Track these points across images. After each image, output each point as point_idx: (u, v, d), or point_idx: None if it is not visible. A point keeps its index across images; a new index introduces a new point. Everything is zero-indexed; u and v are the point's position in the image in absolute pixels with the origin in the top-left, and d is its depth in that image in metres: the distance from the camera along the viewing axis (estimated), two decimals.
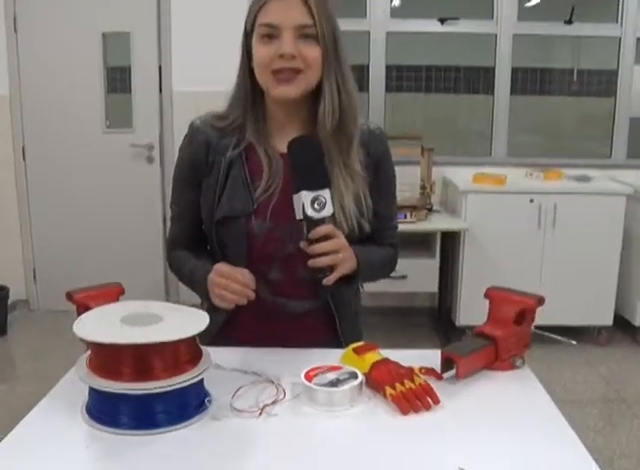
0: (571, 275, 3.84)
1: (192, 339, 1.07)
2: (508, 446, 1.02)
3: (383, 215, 1.46)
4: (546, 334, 1.33)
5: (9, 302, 4.17)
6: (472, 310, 3.74)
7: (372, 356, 1.21)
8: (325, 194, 1.21)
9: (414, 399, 1.11)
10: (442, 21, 4.22)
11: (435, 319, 4.27)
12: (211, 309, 1.32)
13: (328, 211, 1.21)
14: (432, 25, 4.25)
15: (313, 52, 1.31)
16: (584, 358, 3.78)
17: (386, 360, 1.20)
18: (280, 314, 1.43)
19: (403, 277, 3.66)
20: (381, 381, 1.15)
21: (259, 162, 1.39)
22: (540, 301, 1.30)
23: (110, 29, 4.14)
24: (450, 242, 3.93)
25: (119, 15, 4.10)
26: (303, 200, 1.19)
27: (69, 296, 1.28)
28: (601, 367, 3.68)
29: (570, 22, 4.25)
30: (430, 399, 1.12)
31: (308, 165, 1.23)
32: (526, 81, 4.53)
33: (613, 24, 4.28)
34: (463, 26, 4.26)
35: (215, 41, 4.07)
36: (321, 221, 1.21)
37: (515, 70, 4.36)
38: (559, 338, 1.33)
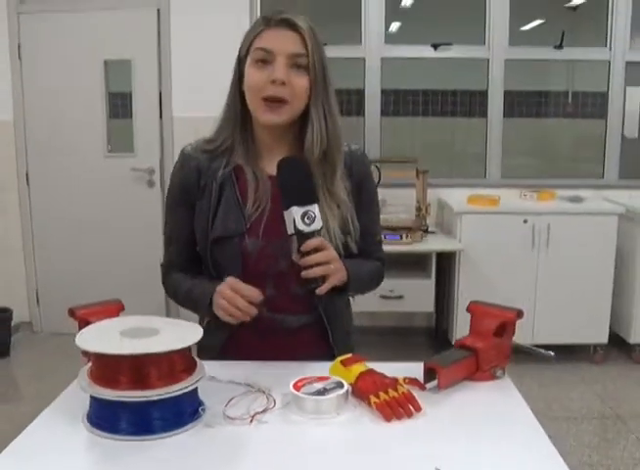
0: (565, 294, 3.90)
1: (186, 350, 1.13)
2: (484, 450, 1.08)
3: (367, 232, 1.53)
4: (521, 345, 1.38)
5: (12, 323, 4.23)
6: (468, 330, 3.79)
7: (358, 368, 1.27)
8: (314, 209, 1.28)
9: (397, 406, 1.17)
10: (436, 46, 4.33)
11: (433, 339, 4.32)
12: (212, 329, 1.40)
13: (317, 224, 1.28)
14: (425, 51, 4.36)
15: (302, 82, 1.39)
16: (580, 376, 3.84)
17: (371, 371, 1.27)
18: (277, 330, 1.49)
19: (400, 297, 3.72)
20: (366, 390, 1.21)
21: (249, 182, 1.45)
22: (519, 314, 1.36)
23: (111, 57, 4.26)
24: (446, 262, 3.99)
25: (121, 43, 4.21)
26: (294, 215, 1.26)
27: (72, 312, 1.35)
28: (596, 385, 3.72)
29: (560, 46, 4.35)
30: (411, 407, 1.18)
31: (297, 183, 1.31)
32: (520, 104, 4.63)
33: (602, 49, 4.38)
34: (456, 52, 4.37)
35: (214, 69, 4.16)
36: (311, 235, 1.28)
37: (508, 93, 4.46)
38: (537, 350, 1.39)
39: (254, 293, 1.34)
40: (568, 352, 4.01)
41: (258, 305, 1.34)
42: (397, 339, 4.37)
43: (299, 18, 1.40)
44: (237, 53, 4.41)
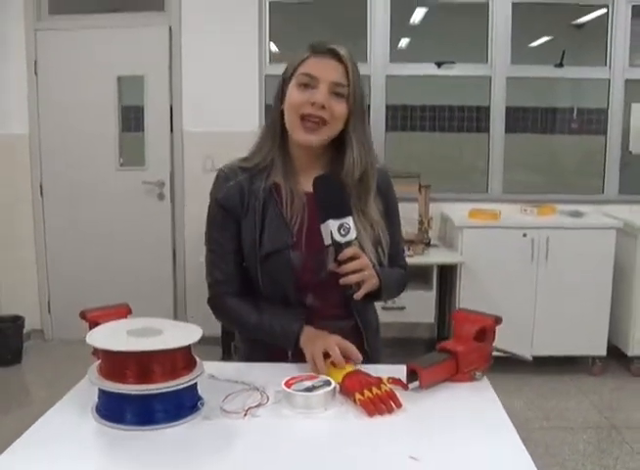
0: (564, 307, 3.98)
1: (187, 349, 1.24)
2: (457, 443, 1.18)
3: (392, 241, 1.64)
4: (501, 349, 1.47)
5: (24, 331, 4.35)
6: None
7: (346, 368, 1.38)
8: (349, 221, 1.40)
9: (379, 403, 1.27)
10: (439, 64, 4.45)
11: (434, 349, 4.40)
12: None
13: (352, 235, 1.40)
14: (429, 69, 4.47)
15: (341, 108, 1.49)
16: (578, 388, 3.91)
17: (357, 371, 1.37)
18: None
19: (402, 308, 3.81)
20: (352, 388, 1.31)
21: (286, 199, 1.55)
22: (497, 320, 1.45)
23: (125, 73, 4.41)
24: (447, 274, 4.09)
25: (134, 60, 4.36)
26: (331, 227, 1.39)
27: (83, 314, 1.46)
28: (594, 396, 3.80)
29: (560, 65, 4.46)
30: (393, 404, 1.28)
31: (333, 198, 1.42)
32: (522, 120, 4.73)
33: (602, 68, 4.48)
34: (459, 70, 4.48)
35: (224, 85, 4.33)
36: (347, 244, 1.40)
37: (510, 110, 4.56)
38: (515, 353, 1.48)
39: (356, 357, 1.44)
40: (567, 364, 4.10)
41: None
42: (399, 349, 4.44)
43: (343, 49, 1.50)
44: (246, 70, 4.55)
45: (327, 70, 1.48)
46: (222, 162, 5.01)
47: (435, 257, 4.00)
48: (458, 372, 1.41)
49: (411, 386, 1.36)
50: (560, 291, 3.98)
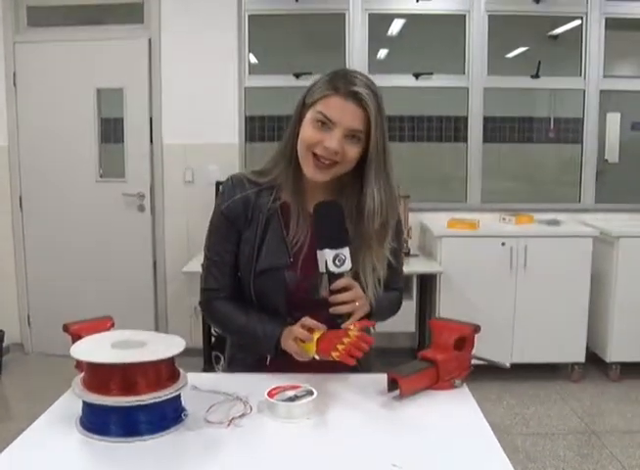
0: (543, 314, 4.03)
1: (171, 360, 1.25)
2: (438, 450, 1.20)
3: (392, 263, 1.63)
4: (479, 357, 1.50)
5: (3, 344, 4.31)
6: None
7: (315, 335, 1.43)
8: (345, 252, 1.40)
9: (354, 350, 1.35)
10: (417, 76, 4.50)
11: (415, 358, 4.42)
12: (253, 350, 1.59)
13: (347, 266, 1.41)
14: (407, 80, 4.52)
15: (354, 153, 1.47)
16: (558, 394, 3.95)
17: (325, 332, 1.43)
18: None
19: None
20: (327, 350, 1.38)
21: (292, 219, 1.56)
22: (476, 329, 1.48)
23: (104, 85, 4.40)
24: (427, 284, 4.12)
25: (113, 72, 4.35)
26: (326, 257, 1.40)
27: (66, 327, 1.47)
28: (574, 402, 3.84)
29: (537, 76, 4.53)
30: (364, 345, 1.36)
31: (331, 227, 1.43)
32: (499, 130, 4.79)
33: (577, 78, 4.56)
34: (436, 81, 4.54)
35: (203, 97, 4.35)
36: (341, 275, 1.41)
37: (488, 119, 4.62)
38: (493, 361, 1.51)
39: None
40: (546, 371, 4.14)
41: None
42: (380, 359, 4.45)
43: (366, 90, 1.44)
44: (225, 84, 4.56)
45: (345, 116, 1.44)
46: (202, 173, 5.03)
47: (415, 266, 4.03)
48: (439, 380, 1.44)
49: (391, 394, 1.38)
50: (538, 299, 4.03)
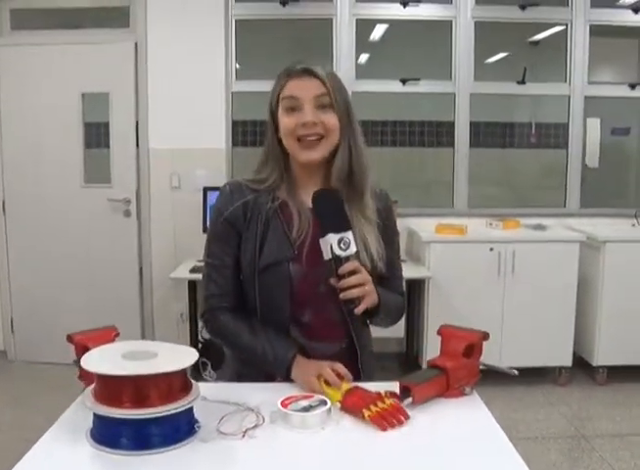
0: (530, 319, 4.05)
1: (183, 372, 1.23)
2: (455, 459, 1.20)
3: (391, 266, 1.66)
4: (488, 364, 1.50)
5: None
6: (437, 354, 3.91)
7: (343, 386, 1.40)
8: (349, 235, 1.41)
9: (389, 417, 1.29)
10: (404, 81, 4.51)
11: (404, 363, 4.43)
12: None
13: (352, 249, 1.41)
14: (394, 86, 4.53)
15: (332, 119, 1.52)
16: (546, 398, 3.98)
17: (356, 387, 1.39)
18: (310, 357, 1.57)
19: (384, 326, 3.82)
20: (358, 405, 1.32)
21: (292, 215, 1.57)
22: (485, 336, 1.48)
23: (89, 90, 4.35)
24: (415, 289, 4.12)
25: (99, 76, 4.30)
26: (331, 241, 1.40)
27: (70, 338, 1.44)
28: (562, 406, 3.86)
29: (522, 82, 4.56)
30: (402, 417, 1.30)
31: (332, 212, 1.44)
32: (485, 135, 4.81)
33: (562, 84, 4.60)
34: (423, 87, 4.55)
35: (190, 102, 4.31)
36: (347, 259, 1.41)
37: (474, 125, 4.64)
38: (501, 368, 1.51)
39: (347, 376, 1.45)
40: (533, 375, 4.15)
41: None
42: None
43: (317, 67, 1.54)
44: (212, 88, 4.56)
45: (306, 88, 1.51)
46: (189, 178, 4.99)
47: (404, 271, 3.98)
48: (449, 388, 1.43)
49: (404, 402, 1.37)
50: (526, 303, 4.05)
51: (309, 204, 1.52)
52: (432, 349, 4.01)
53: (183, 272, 3.94)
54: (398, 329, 4.06)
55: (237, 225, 1.59)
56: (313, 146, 1.52)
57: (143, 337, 4.39)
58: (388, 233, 1.67)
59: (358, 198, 1.58)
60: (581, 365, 4.24)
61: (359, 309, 1.43)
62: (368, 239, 1.55)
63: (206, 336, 3.87)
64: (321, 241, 1.41)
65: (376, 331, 4.18)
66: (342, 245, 1.39)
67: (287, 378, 1.51)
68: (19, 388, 4.07)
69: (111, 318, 4.44)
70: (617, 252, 4.05)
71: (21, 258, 4.50)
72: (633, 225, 4.44)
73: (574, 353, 4.17)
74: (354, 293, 1.41)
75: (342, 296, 1.41)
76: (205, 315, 1.66)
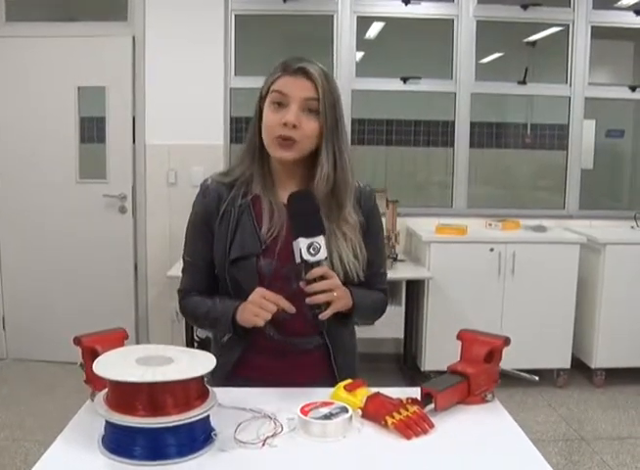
0: (529, 320, 4.02)
1: (200, 379, 1.18)
2: (481, 466, 1.16)
3: (373, 264, 1.62)
4: (510, 371, 1.47)
5: None
6: (436, 356, 3.89)
7: (363, 392, 1.35)
8: (319, 240, 1.38)
9: (414, 424, 1.25)
10: (405, 80, 4.47)
11: (401, 365, 4.39)
12: (226, 348, 1.55)
13: (322, 254, 1.38)
14: (395, 84, 4.49)
15: (312, 125, 1.51)
16: (545, 400, 3.95)
17: (378, 394, 1.35)
18: (286, 351, 1.59)
19: (370, 323, 3.78)
20: (380, 412, 1.28)
21: (264, 211, 1.56)
22: (507, 341, 1.44)
23: (85, 84, 4.27)
24: (415, 290, 4.08)
25: (96, 70, 4.22)
26: (301, 246, 1.37)
27: (78, 340, 1.38)
28: (560, 408, 3.84)
29: (523, 82, 4.53)
30: (426, 425, 1.26)
31: (305, 216, 1.41)
32: (486, 135, 4.78)
33: (563, 85, 4.58)
34: (424, 85, 4.51)
35: (188, 97, 4.25)
36: (316, 264, 1.38)
37: (474, 125, 4.60)
38: (522, 374, 1.48)
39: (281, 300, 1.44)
40: None
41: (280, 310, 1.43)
42: (367, 365, 4.41)
43: (314, 67, 1.51)
44: (210, 83, 4.51)
45: (297, 88, 1.50)
46: (186, 175, 4.94)
47: (404, 272, 3.99)
48: (470, 394, 1.39)
49: (426, 409, 1.33)
50: (525, 305, 4.02)
51: (285, 200, 1.51)
52: (431, 349, 3.99)
53: (179, 270, 3.87)
54: (397, 329, 4.02)
55: (211, 220, 1.60)
56: (287, 147, 1.51)
57: (137, 335, 4.33)
58: (371, 231, 1.64)
59: (336, 209, 1.56)
60: (579, 367, 4.22)
61: (324, 315, 1.40)
62: (343, 254, 1.54)
63: (202, 335, 3.82)
64: (293, 243, 1.40)
65: (374, 332, 4.13)
66: (311, 250, 1.37)
67: (235, 331, 1.51)
68: (9, 386, 3.99)
69: (104, 316, 4.42)
70: (617, 254, 4.02)
71: (14, 254, 4.42)
72: (632, 227, 4.42)
73: (573, 356, 4.15)
74: (320, 298, 1.39)
75: (307, 300, 1.38)
76: (179, 305, 1.70)
